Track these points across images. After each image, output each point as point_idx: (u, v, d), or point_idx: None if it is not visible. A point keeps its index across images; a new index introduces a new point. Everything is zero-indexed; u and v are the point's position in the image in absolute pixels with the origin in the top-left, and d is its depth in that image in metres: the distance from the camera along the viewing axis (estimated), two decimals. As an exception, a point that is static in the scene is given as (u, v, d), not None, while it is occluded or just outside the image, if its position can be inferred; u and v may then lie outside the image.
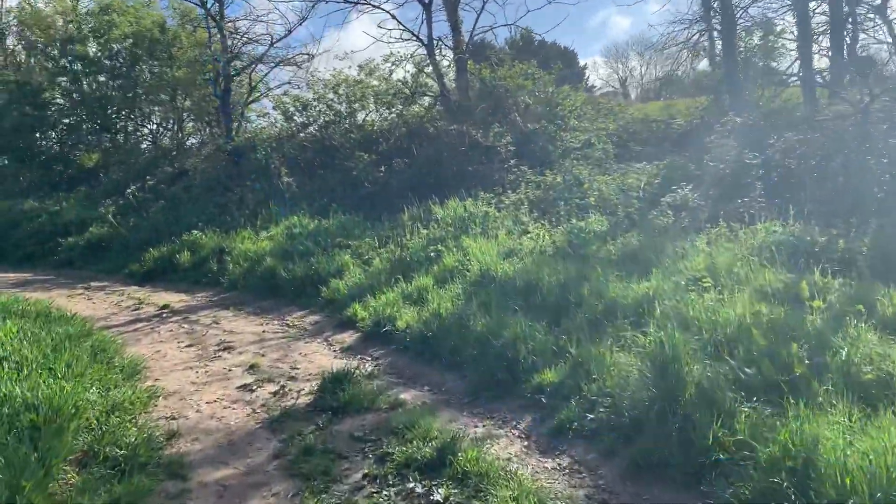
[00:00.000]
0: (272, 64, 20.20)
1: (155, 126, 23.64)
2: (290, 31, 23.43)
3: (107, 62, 22.93)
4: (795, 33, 17.30)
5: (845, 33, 18.21)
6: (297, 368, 7.26)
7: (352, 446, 5.23)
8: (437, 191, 13.44)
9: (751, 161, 11.15)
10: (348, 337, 8.47)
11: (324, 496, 4.50)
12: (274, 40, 19.74)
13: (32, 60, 26.09)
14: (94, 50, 23.05)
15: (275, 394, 6.50)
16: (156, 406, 6.29)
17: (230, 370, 7.34)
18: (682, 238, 9.13)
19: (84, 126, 22.58)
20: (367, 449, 5.16)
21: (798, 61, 17.01)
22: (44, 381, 5.89)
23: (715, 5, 19.14)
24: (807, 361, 5.11)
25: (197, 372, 7.33)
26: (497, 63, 16.31)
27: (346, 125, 17.87)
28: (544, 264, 8.58)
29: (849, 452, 3.87)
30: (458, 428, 5.49)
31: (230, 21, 19.83)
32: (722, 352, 5.67)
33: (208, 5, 19.16)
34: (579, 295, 7.40)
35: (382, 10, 23.72)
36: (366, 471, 4.80)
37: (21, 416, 5.11)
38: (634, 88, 46.15)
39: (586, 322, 6.81)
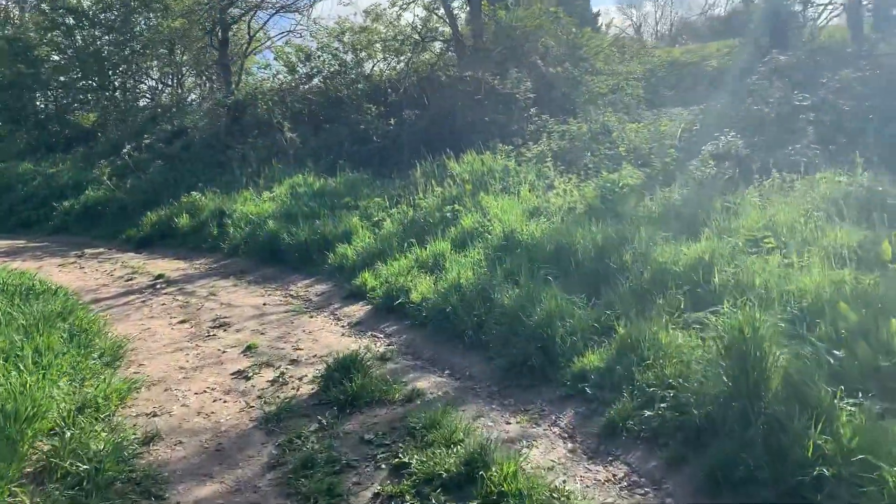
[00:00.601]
0: (272, 10, 18.97)
1: (154, 82, 22.61)
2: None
3: (101, 15, 21.77)
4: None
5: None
6: (300, 349, 6.39)
7: (361, 452, 4.36)
8: (451, 144, 12.40)
9: (800, 103, 10.02)
10: (358, 310, 7.58)
11: (327, 526, 3.66)
12: (273, -15, 18.50)
13: (27, 16, 24.95)
14: (87, 2, 21.88)
15: (273, 382, 5.63)
16: (136, 399, 5.44)
17: (224, 352, 6.48)
18: (730, 191, 8.11)
19: (80, 84, 21.55)
20: (379, 457, 4.28)
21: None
22: (2, 375, 5.06)
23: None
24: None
25: (187, 354, 6.48)
26: (514, 2, 15.05)
27: (353, 75, 16.73)
28: (576, 225, 7.60)
29: None
30: (486, 426, 4.61)
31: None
32: (801, 330, 4.74)
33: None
34: (621, 260, 6.43)
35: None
36: (378, 488, 3.93)
37: (-35, 423, 4.28)
38: (650, 35, 44.36)
39: (631, 293, 5.87)
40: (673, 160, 9.81)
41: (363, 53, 17.61)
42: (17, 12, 25.48)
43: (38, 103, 21.62)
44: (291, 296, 8.46)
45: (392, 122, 14.06)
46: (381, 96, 15.68)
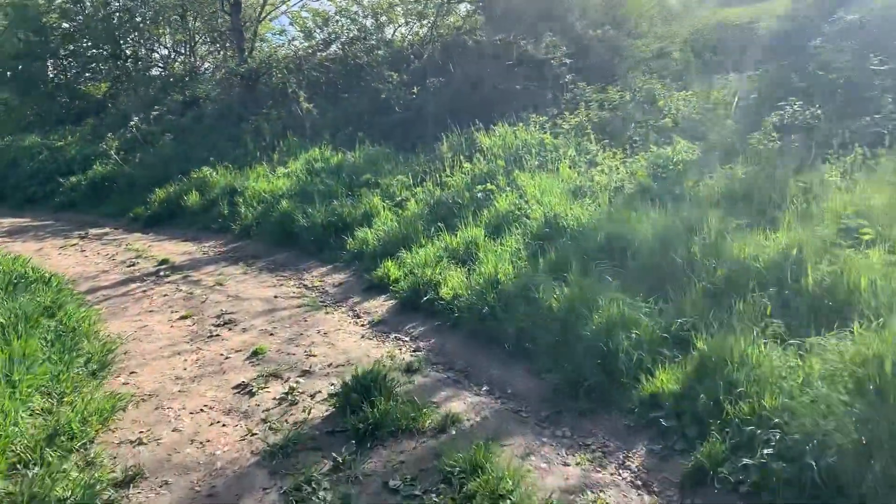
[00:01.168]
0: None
1: (167, 51, 21.67)
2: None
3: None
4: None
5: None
6: (314, 355, 5.54)
7: (385, 504, 3.52)
8: (479, 115, 11.40)
9: (876, 67, 8.88)
10: (380, 305, 6.70)
11: None
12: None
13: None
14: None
15: (281, 400, 4.79)
16: (121, 420, 4.63)
17: (228, 357, 5.65)
18: (802, 169, 7.09)
19: (90, 53, 20.69)
20: (408, 514, 3.43)
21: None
22: (-41, 397, 4.28)
23: None
24: None
25: (186, 360, 5.66)
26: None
27: (373, 41, 15.69)
28: (628, 208, 6.65)
29: None
30: (539, 468, 3.73)
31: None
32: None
33: None
34: (688, 253, 5.47)
35: None
36: (408, 564, 3.08)
37: None
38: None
39: (704, 295, 4.93)
40: (731, 132, 8.77)
41: (383, 17, 16.53)
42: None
43: (47, 73, 20.78)
44: (306, 286, 7.60)
45: (415, 90, 13.05)
46: (404, 63, 14.64)
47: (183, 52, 21.21)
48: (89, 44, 20.77)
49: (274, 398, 4.83)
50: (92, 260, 9.54)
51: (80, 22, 20.59)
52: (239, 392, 4.98)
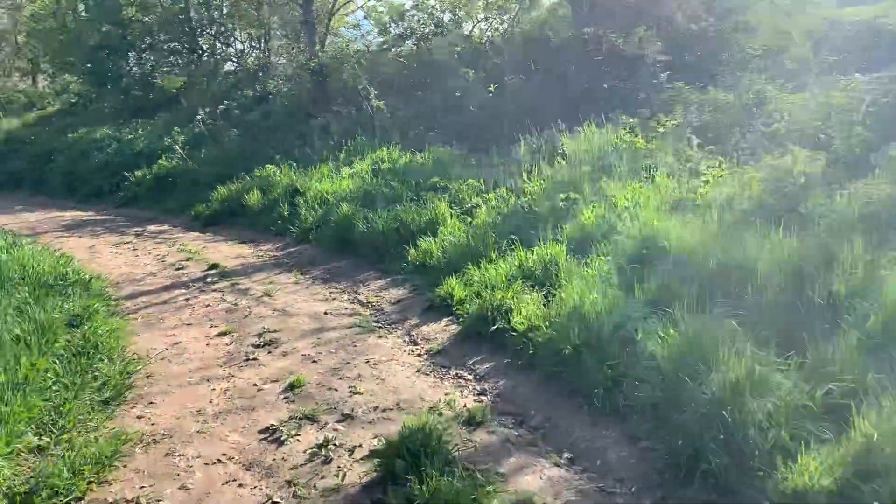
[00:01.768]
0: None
1: (241, 45, 21.39)
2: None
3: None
4: None
5: None
6: (359, 393, 4.65)
7: None
8: (562, 115, 10.36)
9: None
10: (441, 330, 5.77)
11: None
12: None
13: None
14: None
15: (313, 455, 3.90)
16: (123, 468, 3.84)
17: (261, 389, 4.82)
18: (963, 187, 5.79)
19: (166, 46, 20.61)
20: None
21: None
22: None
23: None
24: None
25: (214, 389, 4.86)
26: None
27: (450, 37, 14.80)
28: (743, 228, 5.51)
29: None
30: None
31: None
32: None
33: None
34: (829, 292, 4.32)
35: None
36: None
37: None
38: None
39: (858, 349, 3.79)
40: (859, 142, 7.47)
41: (462, 12, 15.65)
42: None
43: (124, 66, 20.78)
44: (360, 302, 6.75)
45: (492, 88, 12.09)
46: (481, 60, 13.71)
47: (257, 46, 20.87)
48: (167, 37, 20.68)
49: (305, 450, 3.95)
50: (141, 260, 8.97)
51: (158, 15, 20.51)
52: (266, 438, 4.13)
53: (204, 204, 11.94)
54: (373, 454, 3.76)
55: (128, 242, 10.14)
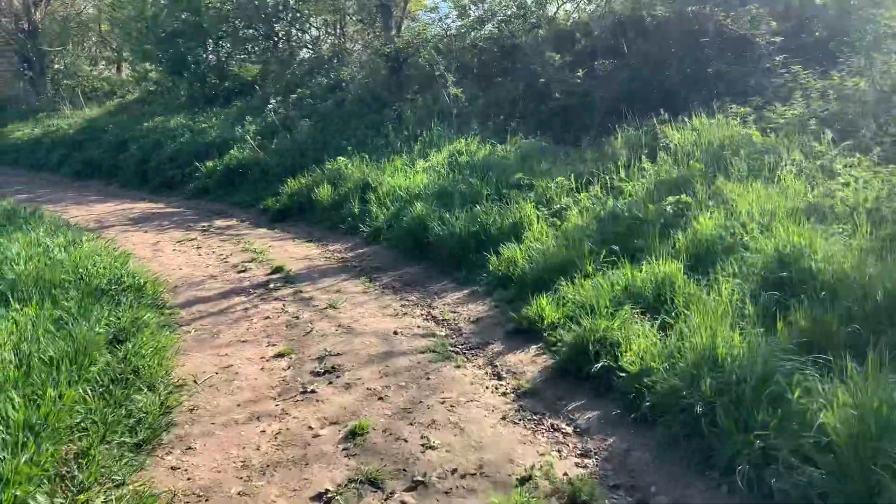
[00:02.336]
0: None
1: (317, 31, 20.89)
2: None
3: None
4: None
5: None
6: (433, 447, 3.82)
7: None
8: (660, 103, 9.28)
9: None
10: (529, 362, 4.89)
11: None
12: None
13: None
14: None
15: (375, 539, 3.11)
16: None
17: (318, 435, 4.05)
18: None
19: (242, 33, 20.30)
20: None
21: None
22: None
23: None
24: None
25: (265, 431, 4.13)
26: None
27: (534, 19, 13.77)
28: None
29: None
30: None
31: None
32: None
33: None
34: None
35: None
36: None
37: None
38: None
39: None
40: None
41: (547, -8, 14.56)
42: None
43: (201, 54, 20.57)
44: (434, 319, 5.92)
45: (580, 74, 11.03)
46: (567, 43, 12.64)
47: (332, 32, 20.33)
48: (242, 24, 20.36)
49: (365, 533, 3.15)
50: (204, 260, 8.41)
51: (234, 2, 20.20)
52: (317, 510, 3.35)
53: (273, 197, 11.39)
54: (450, 546, 2.93)
55: (192, 239, 9.63)
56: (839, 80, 8.49)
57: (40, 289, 5.86)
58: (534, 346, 5.07)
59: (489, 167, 9.06)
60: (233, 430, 4.15)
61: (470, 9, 15.07)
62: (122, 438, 3.91)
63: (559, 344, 4.80)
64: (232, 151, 13.79)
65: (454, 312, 6.03)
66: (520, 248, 6.49)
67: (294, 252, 8.61)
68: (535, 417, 4.12)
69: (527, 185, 8.02)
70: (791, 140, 7.23)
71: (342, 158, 11.31)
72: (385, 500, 3.37)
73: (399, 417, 4.19)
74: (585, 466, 3.58)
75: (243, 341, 5.66)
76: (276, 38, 20.50)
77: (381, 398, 4.46)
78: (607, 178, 7.57)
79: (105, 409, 4.12)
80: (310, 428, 4.13)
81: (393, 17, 15.77)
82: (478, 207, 7.63)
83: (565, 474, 3.48)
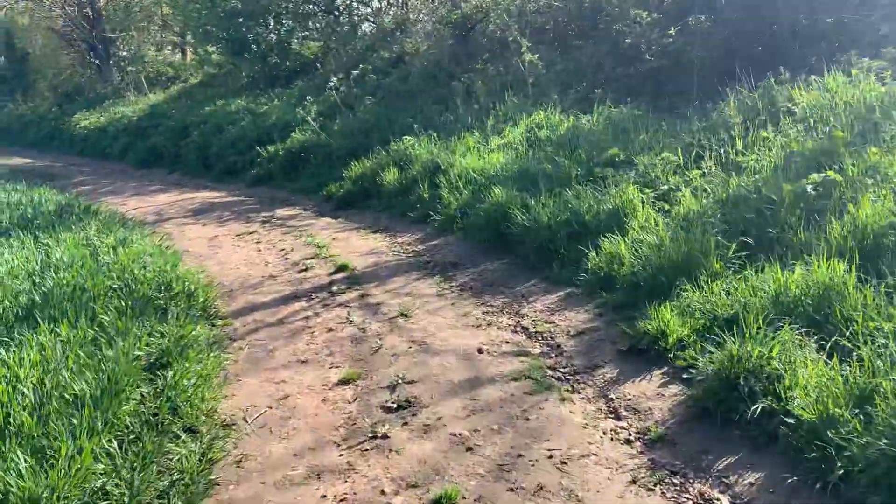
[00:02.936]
0: None
1: (379, 3, 19.95)
2: None
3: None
4: None
5: None
6: (544, 528, 2.89)
7: None
8: (767, 62, 8.03)
9: None
10: (655, 394, 3.87)
11: None
12: None
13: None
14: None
15: None
16: None
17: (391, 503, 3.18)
18: None
19: (301, 9, 19.53)
20: None
21: None
22: None
23: None
24: None
25: (325, 498, 3.28)
26: None
27: (615, -26, 12.45)
28: None
29: None
30: None
31: None
32: None
33: None
34: None
35: None
36: None
37: None
38: None
39: None
40: None
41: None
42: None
43: (261, 33, 19.91)
44: (525, 330, 4.97)
45: (672, 32, 9.74)
46: (655, -1, 11.32)
47: (395, 3, 19.34)
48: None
49: None
50: (263, 257, 7.66)
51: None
52: None
53: (337, 183, 10.59)
54: None
55: (253, 232, 8.92)
56: None
57: (77, 302, 5.19)
58: (657, 372, 4.06)
59: (575, 142, 7.98)
60: (288, 495, 3.32)
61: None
62: (161, 497, 3.12)
63: (693, 371, 3.77)
64: (294, 134, 13.06)
65: (549, 322, 5.05)
66: (624, 241, 5.44)
67: (359, 246, 7.78)
68: (674, 479, 3.13)
69: (624, 163, 6.92)
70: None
71: (408, 138, 10.41)
72: None
73: (494, 478, 3.27)
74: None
75: (302, 361, 4.84)
76: (336, 12, 19.67)
77: (469, 448, 3.54)
78: (721, 151, 6.40)
79: (134, 466, 3.35)
80: (382, 493, 3.26)
81: (458, -20, 14.63)
82: (567, 191, 6.58)
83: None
